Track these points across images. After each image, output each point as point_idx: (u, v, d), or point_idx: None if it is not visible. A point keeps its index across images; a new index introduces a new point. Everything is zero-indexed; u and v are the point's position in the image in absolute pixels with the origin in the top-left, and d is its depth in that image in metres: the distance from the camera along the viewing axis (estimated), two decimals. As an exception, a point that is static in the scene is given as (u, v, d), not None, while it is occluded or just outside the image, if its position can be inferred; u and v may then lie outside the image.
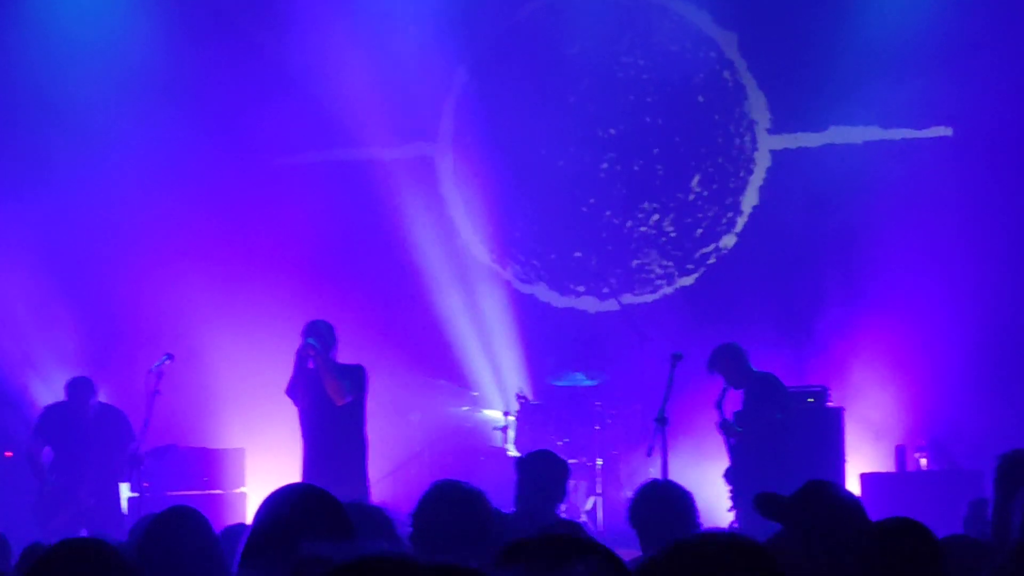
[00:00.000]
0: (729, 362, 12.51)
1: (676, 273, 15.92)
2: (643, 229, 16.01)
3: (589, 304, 16.11)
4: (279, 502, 4.35)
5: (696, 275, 15.87)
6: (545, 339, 15.80)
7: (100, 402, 12.89)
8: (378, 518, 5.98)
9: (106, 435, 12.67)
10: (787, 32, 15.47)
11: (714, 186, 15.87)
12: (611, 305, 15.73)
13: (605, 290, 15.72)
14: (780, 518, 5.43)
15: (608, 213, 16.09)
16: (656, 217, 15.99)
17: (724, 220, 15.80)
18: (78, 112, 15.71)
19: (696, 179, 15.91)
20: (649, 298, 15.90)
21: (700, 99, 15.86)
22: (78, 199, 15.70)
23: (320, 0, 15.71)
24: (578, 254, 16.12)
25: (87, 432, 12.62)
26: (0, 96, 15.77)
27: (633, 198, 16.04)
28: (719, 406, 12.36)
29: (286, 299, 14.88)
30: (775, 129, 15.72)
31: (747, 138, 15.79)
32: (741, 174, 15.81)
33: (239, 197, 16.05)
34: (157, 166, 15.80)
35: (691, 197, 15.92)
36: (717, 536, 3.04)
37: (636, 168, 16.02)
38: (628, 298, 15.77)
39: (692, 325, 15.03)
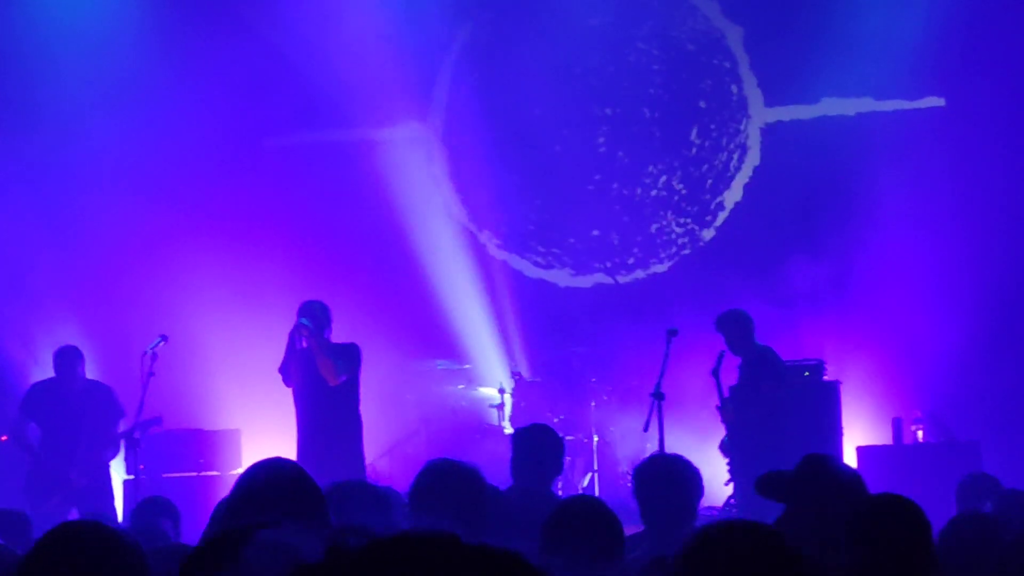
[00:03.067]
0: (735, 326, 12.53)
1: (697, 228, 15.90)
2: (654, 193, 16.01)
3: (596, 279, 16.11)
4: (250, 479, 4.34)
5: (716, 225, 15.84)
6: (540, 316, 15.79)
7: (88, 379, 12.83)
8: (377, 497, 5.96)
9: (95, 411, 12.61)
10: (778, 3, 15.44)
11: (713, 134, 15.85)
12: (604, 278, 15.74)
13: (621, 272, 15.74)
14: (783, 498, 5.42)
15: (616, 185, 16.07)
16: (664, 178, 15.98)
17: (732, 166, 15.79)
18: (71, 91, 15.65)
19: (694, 131, 15.90)
20: (708, 234, 15.85)
21: (703, 92, 15.88)
22: (70, 180, 15.65)
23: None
24: (596, 232, 16.09)
25: (76, 409, 12.55)
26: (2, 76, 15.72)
27: (637, 165, 16.03)
28: (715, 374, 12.36)
29: (281, 279, 14.85)
30: (768, 101, 15.69)
31: (737, 94, 15.79)
32: (739, 125, 15.80)
33: (231, 178, 16.01)
34: (149, 147, 15.75)
35: (693, 151, 15.91)
36: (741, 527, 3.05)
37: (633, 134, 15.99)
38: (658, 267, 15.81)
39: (685, 300, 15.01)
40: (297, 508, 4.14)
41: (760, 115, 15.76)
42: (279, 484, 4.24)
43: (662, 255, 15.94)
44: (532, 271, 16.29)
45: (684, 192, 15.95)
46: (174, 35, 15.69)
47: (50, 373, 12.89)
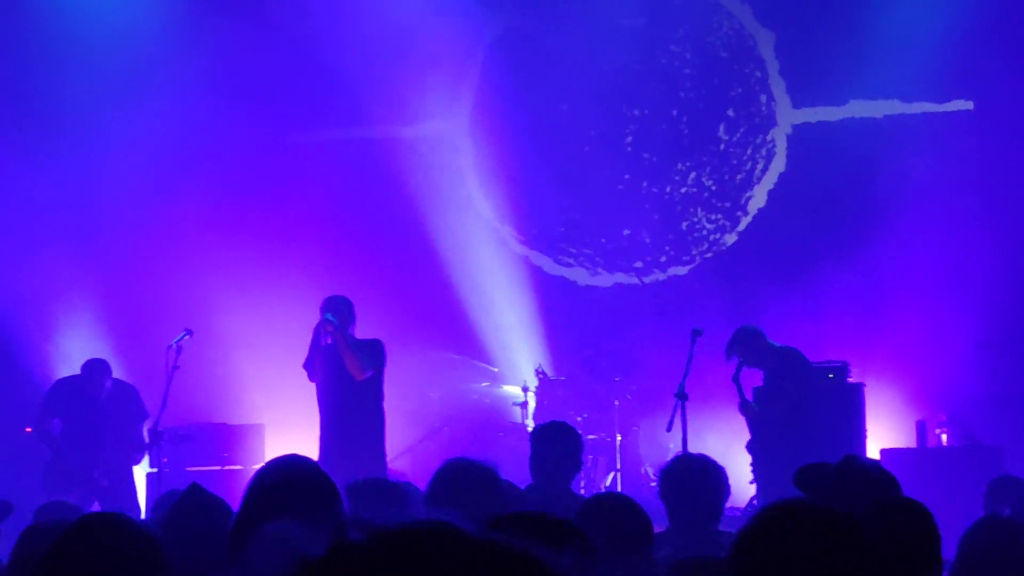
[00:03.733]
0: (745, 345, 12.47)
1: (728, 224, 15.87)
2: (684, 190, 15.99)
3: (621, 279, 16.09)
4: (266, 476, 4.36)
5: (739, 230, 15.81)
6: (565, 315, 15.79)
7: (114, 379, 12.88)
8: (397, 493, 5.97)
9: (120, 414, 12.66)
10: (807, 5, 15.41)
11: (741, 129, 15.82)
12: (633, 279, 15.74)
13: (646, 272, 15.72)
14: (819, 495, 5.39)
15: (645, 184, 16.04)
16: (693, 175, 15.96)
17: (760, 161, 15.76)
18: (97, 87, 15.70)
19: (722, 127, 15.87)
20: (730, 239, 15.82)
21: (732, 100, 15.85)
22: (96, 175, 15.69)
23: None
24: (627, 232, 16.08)
25: (101, 411, 12.61)
26: (24, 69, 15.74)
27: (666, 163, 16.00)
28: (736, 380, 12.33)
29: (305, 275, 14.88)
30: (796, 103, 15.66)
31: (764, 99, 15.77)
32: (766, 135, 15.77)
33: (258, 174, 16.05)
34: (176, 142, 15.78)
35: (722, 147, 15.89)
36: (809, 506, 3.00)
37: (661, 133, 15.97)
38: (680, 269, 15.79)
39: (712, 300, 14.99)
40: (312, 505, 4.16)
41: (787, 119, 15.72)
42: (295, 481, 4.26)
43: (694, 252, 15.91)
44: (553, 268, 16.27)
45: (714, 188, 15.91)
46: (200, 30, 15.70)
47: (76, 370, 12.94)
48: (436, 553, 1.97)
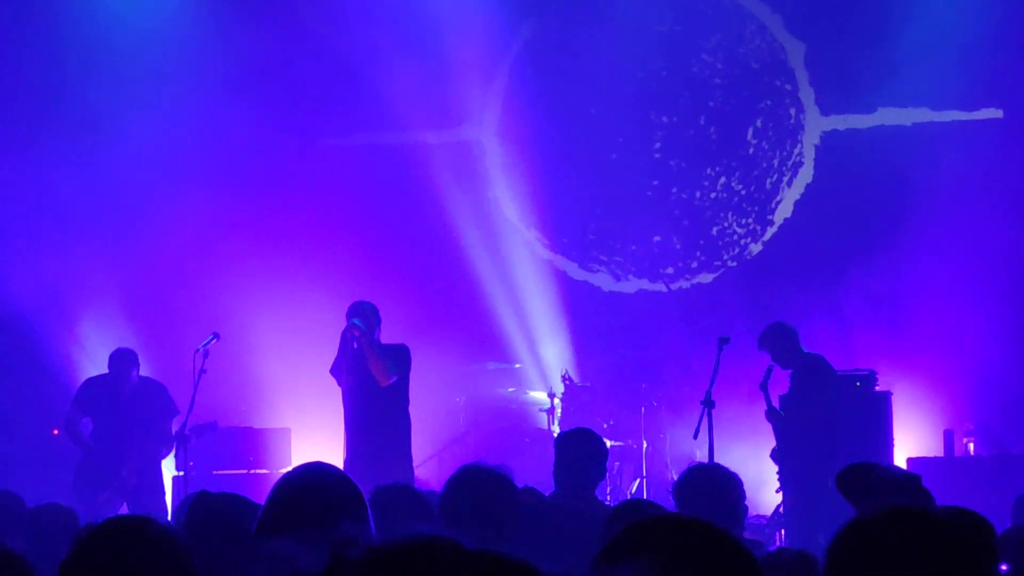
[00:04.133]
0: (778, 341, 12.46)
1: (758, 228, 15.84)
2: (713, 195, 15.96)
3: (642, 284, 16.07)
4: (294, 480, 4.36)
5: (765, 239, 15.77)
6: (590, 320, 15.78)
7: (141, 376, 12.92)
8: (421, 500, 5.96)
9: (146, 410, 12.70)
10: (836, 12, 15.37)
11: (770, 133, 15.79)
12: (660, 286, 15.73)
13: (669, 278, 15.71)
14: (857, 501, 5.37)
15: (675, 190, 16.02)
16: (723, 180, 15.93)
17: (787, 173, 15.73)
18: (128, 89, 15.74)
19: (751, 131, 15.84)
20: (755, 248, 15.80)
21: (760, 111, 15.83)
22: (125, 178, 15.74)
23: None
24: (658, 238, 16.05)
25: (128, 407, 12.65)
26: (56, 72, 15.80)
27: (695, 168, 15.97)
28: (763, 388, 12.30)
29: (332, 280, 14.90)
30: (825, 111, 15.63)
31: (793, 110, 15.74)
32: (794, 149, 15.74)
33: (286, 177, 16.08)
34: (206, 145, 15.82)
35: (751, 151, 15.85)
36: (903, 512, 2.90)
37: (689, 139, 15.94)
38: (705, 276, 15.78)
39: (739, 307, 14.97)
40: (336, 512, 4.15)
41: (816, 127, 15.68)
42: (318, 488, 4.26)
43: (725, 257, 15.88)
44: (577, 273, 16.26)
45: (744, 192, 15.88)
46: (231, 34, 15.74)
47: (104, 370, 12.99)
48: (432, 571, 1.96)
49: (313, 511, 4.19)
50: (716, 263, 15.90)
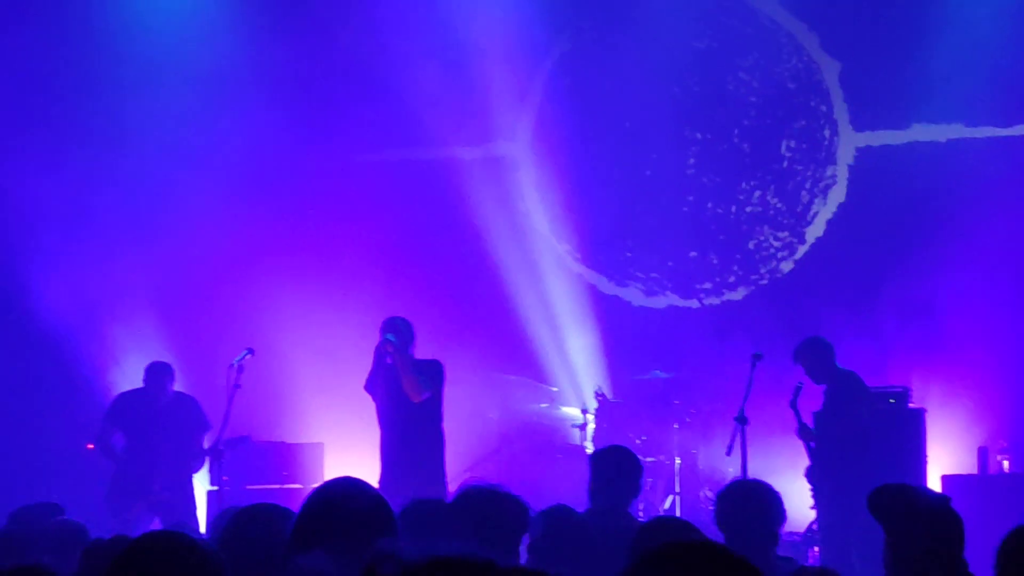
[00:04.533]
0: (814, 356, 12.43)
1: (795, 241, 15.81)
2: (749, 209, 15.92)
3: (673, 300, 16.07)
4: (325, 495, 4.38)
5: (796, 258, 15.73)
6: (624, 337, 15.77)
7: (175, 390, 12.97)
8: (448, 515, 5.96)
9: (180, 424, 12.74)
10: (871, 30, 15.34)
11: (804, 145, 15.76)
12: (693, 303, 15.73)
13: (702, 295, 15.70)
14: (888, 523, 5.36)
15: (710, 205, 16.00)
16: (758, 193, 15.90)
17: (818, 195, 15.70)
18: (163, 105, 15.81)
19: (784, 144, 15.82)
20: (787, 266, 15.77)
21: (794, 132, 15.82)
22: (161, 194, 15.82)
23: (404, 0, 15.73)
24: (694, 254, 16.04)
25: (161, 421, 12.69)
26: (90, 86, 15.87)
27: (729, 183, 15.94)
28: (793, 406, 12.27)
29: (366, 295, 14.95)
30: (858, 127, 15.60)
31: (827, 131, 15.71)
32: (825, 171, 15.72)
33: (320, 193, 16.12)
34: (240, 161, 15.89)
35: (785, 164, 15.83)
36: None
37: (723, 152, 15.92)
38: (733, 294, 15.76)
39: (773, 323, 14.95)
40: (365, 529, 4.17)
41: (850, 143, 15.64)
42: (348, 505, 4.28)
43: (762, 270, 15.85)
44: (607, 287, 16.25)
45: (780, 205, 15.84)
46: (265, 51, 15.80)
47: (138, 385, 13.04)
48: None
49: (344, 526, 4.21)
50: (753, 277, 15.87)
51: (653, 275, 16.14)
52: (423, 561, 2.02)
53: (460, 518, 5.75)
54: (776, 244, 15.84)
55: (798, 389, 12.27)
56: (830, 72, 15.66)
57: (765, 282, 15.82)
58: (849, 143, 15.65)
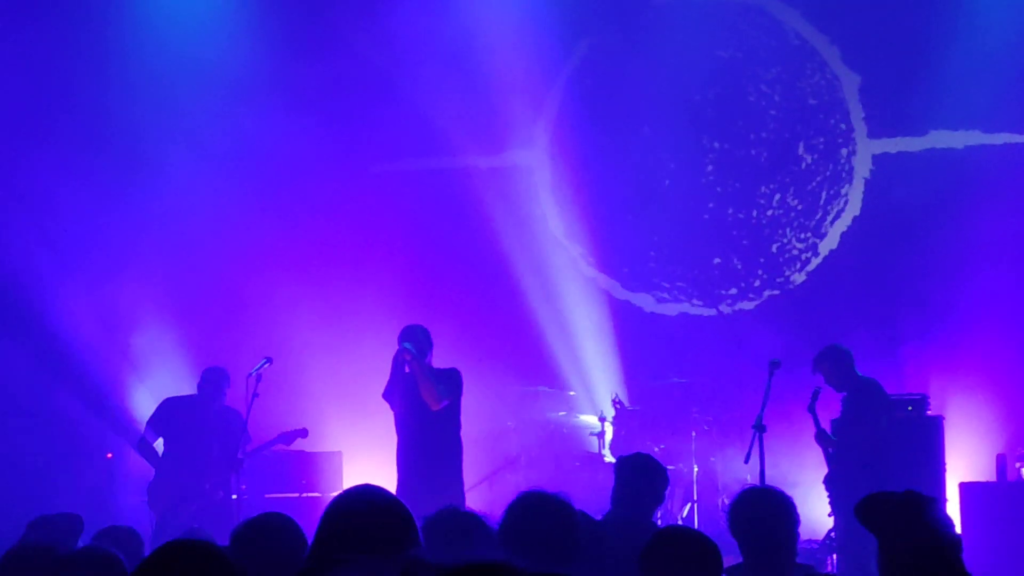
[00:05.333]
0: (834, 363, 12.41)
1: (818, 242, 15.79)
2: (770, 213, 15.92)
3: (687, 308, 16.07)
4: (345, 504, 4.38)
5: (818, 261, 15.72)
6: (641, 344, 15.77)
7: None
8: (473, 525, 5.96)
9: (227, 432, 12.68)
10: (889, 38, 15.33)
11: (821, 147, 15.75)
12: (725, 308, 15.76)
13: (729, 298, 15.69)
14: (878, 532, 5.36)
15: (731, 211, 16.00)
16: (778, 197, 15.89)
17: (832, 210, 15.69)
18: (181, 116, 15.85)
19: (801, 146, 15.81)
20: (799, 278, 15.77)
21: (812, 148, 15.82)
22: (179, 203, 15.83)
23: (421, 10, 15.72)
24: (717, 260, 16.03)
25: (211, 425, 12.58)
26: (111, 98, 15.89)
27: (749, 188, 15.94)
28: (811, 410, 12.25)
29: (383, 304, 14.96)
30: (875, 134, 15.59)
31: (844, 140, 15.71)
32: (841, 188, 15.71)
33: (337, 203, 16.14)
34: (258, 171, 15.92)
35: (803, 166, 15.82)
36: None
37: (741, 157, 15.91)
38: (754, 300, 15.77)
39: (790, 330, 14.94)
40: (387, 537, 4.18)
41: (867, 150, 15.63)
42: (370, 513, 4.28)
43: (787, 272, 15.84)
44: (620, 292, 16.25)
45: (800, 207, 15.83)
46: (282, 60, 15.83)
47: (160, 393, 13.03)
48: None
49: (365, 535, 4.21)
50: (779, 279, 15.86)
51: (679, 284, 16.12)
52: (456, 567, 2.04)
53: (518, 523, 5.74)
54: (799, 246, 15.83)
55: (816, 393, 12.24)
56: (850, 86, 15.64)
57: (777, 293, 15.81)
58: (866, 150, 15.64)
